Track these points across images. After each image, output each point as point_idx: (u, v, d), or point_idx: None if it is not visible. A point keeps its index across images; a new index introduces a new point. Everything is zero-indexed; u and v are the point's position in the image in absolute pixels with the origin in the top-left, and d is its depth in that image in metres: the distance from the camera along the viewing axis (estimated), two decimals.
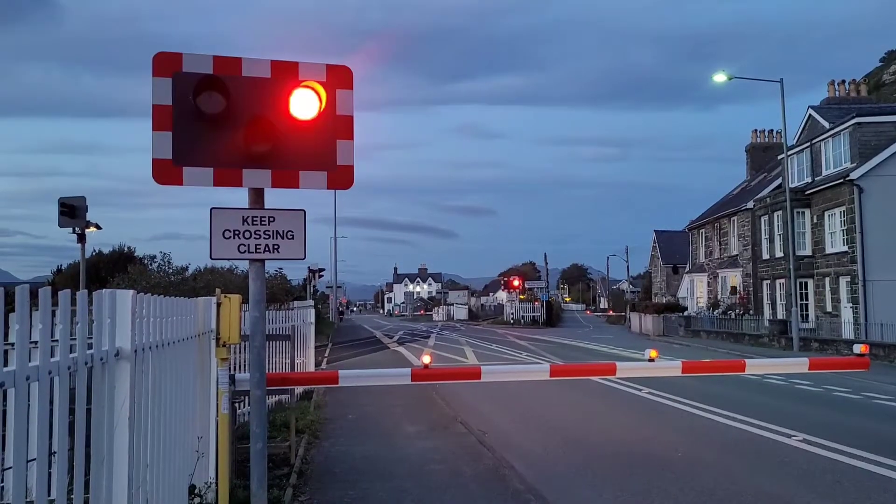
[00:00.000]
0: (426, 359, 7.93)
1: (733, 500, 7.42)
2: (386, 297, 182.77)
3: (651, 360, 8.16)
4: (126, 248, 39.81)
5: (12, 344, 2.72)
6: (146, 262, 25.53)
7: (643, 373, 9.10)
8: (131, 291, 3.63)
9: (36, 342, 2.79)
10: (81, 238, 17.16)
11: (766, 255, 39.17)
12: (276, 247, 6.18)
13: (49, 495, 2.93)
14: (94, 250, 37.62)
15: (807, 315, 34.95)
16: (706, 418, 12.34)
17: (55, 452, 2.94)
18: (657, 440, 10.61)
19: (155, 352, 4.15)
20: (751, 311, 40.65)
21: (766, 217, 38.64)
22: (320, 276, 55.23)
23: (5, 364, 2.40)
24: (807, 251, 35.29)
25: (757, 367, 10.00)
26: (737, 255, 44.63)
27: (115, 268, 29.97)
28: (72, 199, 16.89)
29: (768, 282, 39.25)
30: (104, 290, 3.44)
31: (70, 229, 16.99)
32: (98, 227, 18.13)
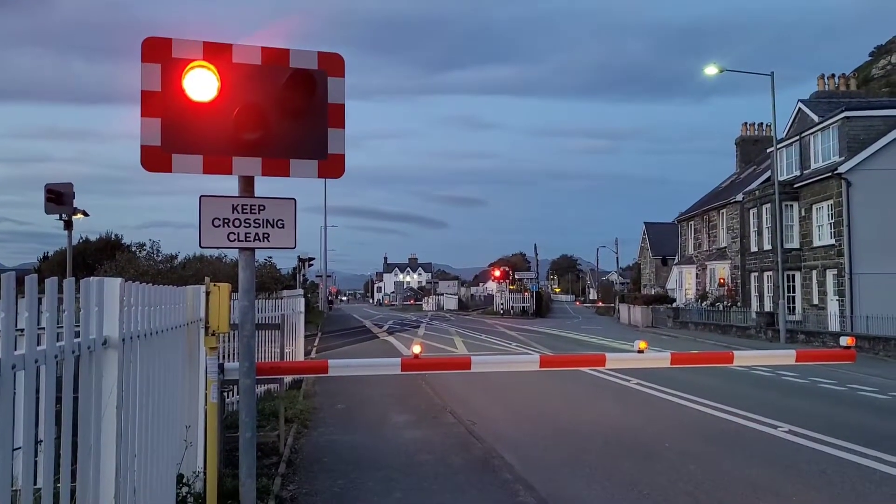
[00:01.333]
0: (416, 349, 7.93)
1: (721, 490, 7.46)
2: (376, 286, 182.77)
3: (640, 351, 8.18)
4: (114, 236, 39.65)
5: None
6: (135, 249, 25.40)
7: (632, 364, 9.14)
8: (119, 279, 3.59)
9: (22, 330, 2.76)
10: (68, 225, 17.02)
11: (754, 248, 39.36)
12: (266, 235, 6.15)
13: (35, 484, 2.91)
14: (82, 237, 37.47)
15: (794, 307, 35.16)
16: (694, 409, 12.41)
17: (41, 441, 2.92)
18: (646, 431, 10.66)
19: (143, 340, 4.12)
20: (738, 303, 40.86)
21: (755, 210, 38.81)
22: (310, 265, 55.16)
23: None
24: (794, 244, 35.47)
25: (744, 358, 10.06)
26: (725, 247, 44.81)
27: (102, 255, 29.83)
28: (59, 185, 16.74)
29: (756, 274, 39.45)
30: (92, 277, 3.41)
31: (57, 216, 16.86)
32: (85, 213, 18.00)
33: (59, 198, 16.42)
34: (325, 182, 55.19)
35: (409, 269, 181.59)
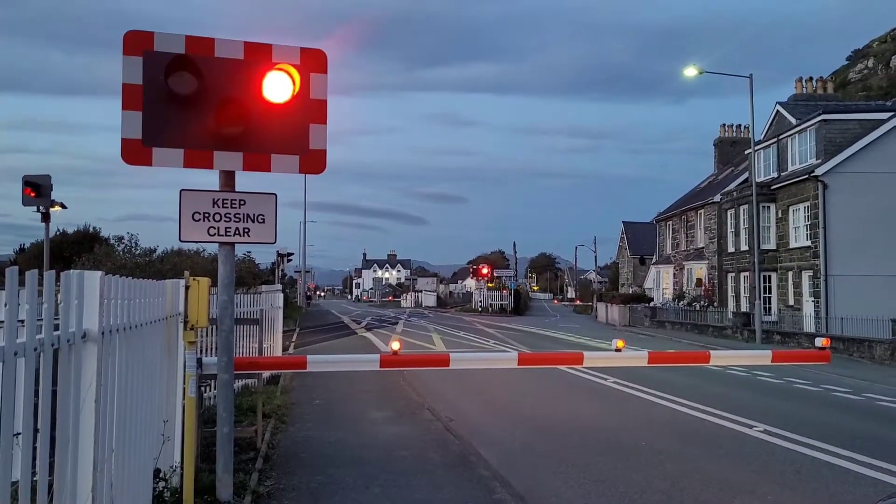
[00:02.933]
0: (395, 345, 7.94)
1: (697, 488, 7.53)
2: (354, 282, 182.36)
3: (618, 349, 8.25)
4: (91, 229, 39.26)
5: None
6: (113, 242, 25.17)
7: (610, 362, 9.20)
8: (100, 273, 3.57)
9: (1, 322, 2.74)
10: (46, 217, 16.85)
11: (731, 249, 39.69)
12: (246, 230, 6.14)
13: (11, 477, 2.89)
14: (58, 230, 37.05)
15: (770, 308, 35.50)
16: (670, 408, 12.51)
17: (18, 434, 2.91)
18: (622, 429, 10.73)
19: (122, 334, 4.10)
20: (715, 304, 41.19)
21: (733, 211, 39.13)
22: (289, 261, 54.93)
23: None
24: (771, 245, 35.80)
25: (721, 358, 10.15)
26: (703, 247, 45.15)
27: (79, 248, 29.56)
28: (36, 177, 16.56)
29: (733, 275, 39.79)
30: (72, 270, 3.39)
31: (34, 208, 16.67)
32: (63, 206, 17.82)
33: (36, 190, 16.25)
34: (304, 177, 55.00)
35: (388, 265, 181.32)
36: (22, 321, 2.88)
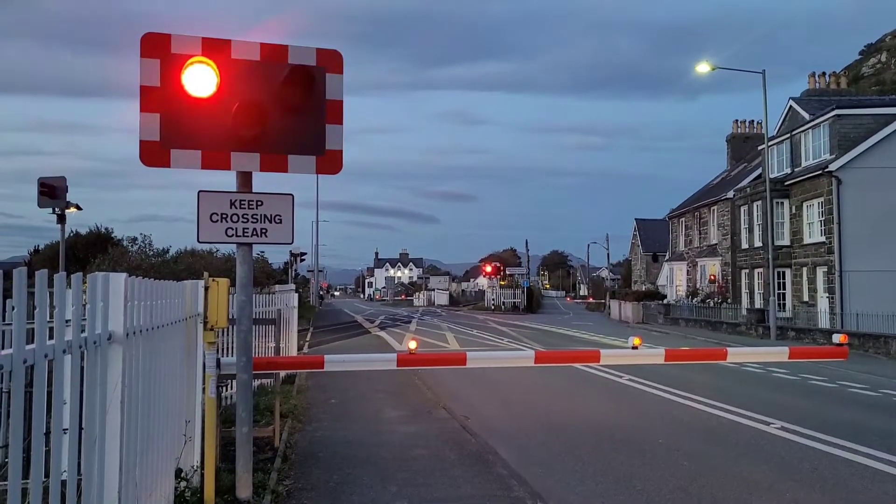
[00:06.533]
0: (412, 344, 7.97)
1: (714, 486, 7.52)
2: (367, 281, 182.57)
3: (635, 347, 8.24)
4: (104, 230, 39.40)
5: (10, 324, 2.71)
6: (127, 243, 25.26)
7: (627, 360, 9.21)
8: (124, 275, 3.60)
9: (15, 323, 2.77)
10: (61, 219, 16.92)
11: (745, 245, 39.51)
12: (264, 231, 6.17)
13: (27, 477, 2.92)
14: (72, 231, 37.14)
15: (784, 304, 35.32)
16: (686, 405, 12.47)
17: (44, 434, 2.94)
18: (638, 427, 10.71)
19: (145, 335, 4.13)
20: (729, 300, 41.01)
21: (746, 207, 38.95)
22: (302, 260, 55.09)
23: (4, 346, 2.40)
24: (785, 241, 35.61)
25: (738, 355, 10.12)
26: (716, 244, 44.97)
27: (93, 249, 29.67)
28: (52, 178, 16.64)
29: (747, 271, 39.61)
30: (98, 272, 3.42)
31: (50, 210, 16.76)
32: (79, 207, 17.88)
33: (52, 191, 16.34)
34: (316, 177, 55.12)
35: (400, 264, 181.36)
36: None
